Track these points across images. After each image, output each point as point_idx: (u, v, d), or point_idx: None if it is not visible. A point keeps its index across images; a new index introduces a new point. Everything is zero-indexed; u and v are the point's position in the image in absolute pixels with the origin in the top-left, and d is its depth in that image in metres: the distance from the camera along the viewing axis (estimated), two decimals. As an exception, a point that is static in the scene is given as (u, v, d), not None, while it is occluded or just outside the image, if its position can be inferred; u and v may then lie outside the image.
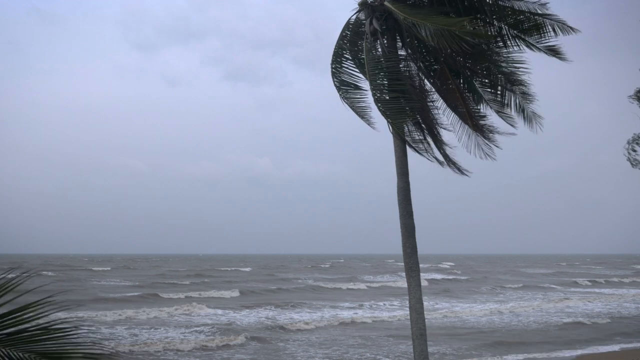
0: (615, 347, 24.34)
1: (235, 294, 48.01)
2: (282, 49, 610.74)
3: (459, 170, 11.76)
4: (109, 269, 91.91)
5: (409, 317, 11.00)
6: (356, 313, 36.29)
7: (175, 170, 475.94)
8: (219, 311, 36.35)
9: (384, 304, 42.08)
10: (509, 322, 32.66)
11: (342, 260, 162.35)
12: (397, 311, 37.32)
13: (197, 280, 66.27)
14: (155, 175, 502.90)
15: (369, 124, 11.38)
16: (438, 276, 76.70)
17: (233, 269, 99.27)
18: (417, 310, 10.70)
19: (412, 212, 10.85)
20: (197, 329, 28.88)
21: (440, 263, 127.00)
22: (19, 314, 4.19)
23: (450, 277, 76.75)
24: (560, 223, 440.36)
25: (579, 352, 23.33)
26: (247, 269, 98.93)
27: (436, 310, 37.96)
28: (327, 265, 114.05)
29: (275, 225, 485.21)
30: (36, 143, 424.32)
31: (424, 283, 63.85)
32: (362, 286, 59.30)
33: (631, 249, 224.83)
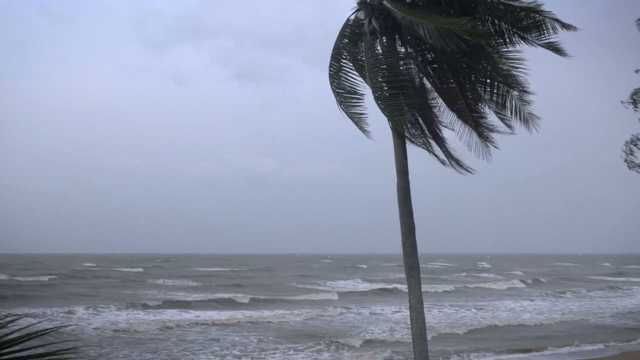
0: None
1: (334, 296, 44.71)
2: (288, 48, 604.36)
3: (463, 167, 11.52)
4: (141, 270, 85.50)
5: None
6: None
7: (175, 170, 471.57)
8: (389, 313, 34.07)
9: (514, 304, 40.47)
10: None
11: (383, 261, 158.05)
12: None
13: (256, 282, 60.99)
14: (155, 175, 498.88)
15: (363, 132, 11.04)
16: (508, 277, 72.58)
17: (266, 268, 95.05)
18: (417, 310, 10.59)
19: (412, 211, 10.74)
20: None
21: (477, 263, 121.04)
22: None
23: (528, 279, 70.81)
24: (560, 223, 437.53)
25: None
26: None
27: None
28: (364, 266, 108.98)
29: (275, 225, 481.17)
30: (36, 143, 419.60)
31: (521, 285, 58.74)
32: (448, 287, 53.73)
33: (631, 249, 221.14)
